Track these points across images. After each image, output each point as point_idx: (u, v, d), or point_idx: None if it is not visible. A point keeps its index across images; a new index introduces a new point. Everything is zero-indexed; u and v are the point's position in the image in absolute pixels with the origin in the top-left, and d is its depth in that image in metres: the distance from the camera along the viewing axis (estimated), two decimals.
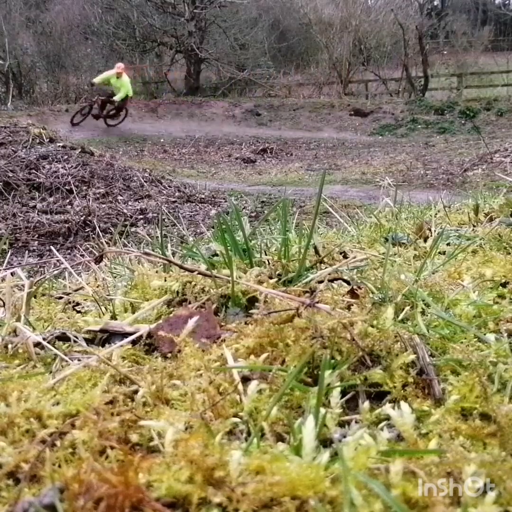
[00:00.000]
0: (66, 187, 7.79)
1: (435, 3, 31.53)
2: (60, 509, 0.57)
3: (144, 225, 7.17)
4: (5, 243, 5.40)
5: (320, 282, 1.13)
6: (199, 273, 1.14)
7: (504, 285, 1.19)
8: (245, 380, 0.81)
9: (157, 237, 1.65)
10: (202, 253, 1.28)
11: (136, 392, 0.80)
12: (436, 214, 2.08)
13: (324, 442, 0.70)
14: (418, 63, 22.72)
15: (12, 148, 8.42)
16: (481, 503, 0.57)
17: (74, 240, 6.46)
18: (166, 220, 6.19)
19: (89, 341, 1.02)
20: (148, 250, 1.33)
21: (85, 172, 8.31)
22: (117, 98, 16.79)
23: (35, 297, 1.25)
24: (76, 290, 1.34)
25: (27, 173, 7.94)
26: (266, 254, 1.30)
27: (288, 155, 15.31)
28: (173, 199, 8.41)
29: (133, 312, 1.12)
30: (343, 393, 0.80)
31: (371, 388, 0.81)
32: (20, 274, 1.28)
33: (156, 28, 24.37)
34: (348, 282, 1.14)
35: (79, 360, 0.91)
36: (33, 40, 23.55)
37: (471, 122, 17.52)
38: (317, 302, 0.96)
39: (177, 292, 1.16)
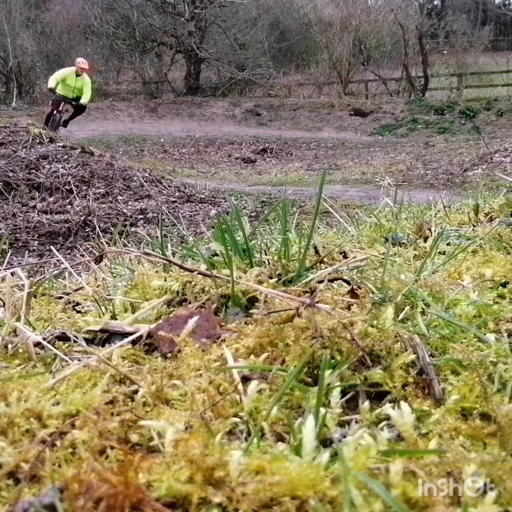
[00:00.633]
0: (66, 187, 7.79)
1: (435, 3, 31.54)
2: (60, 509, 0.57)
3: (144, 225, 7.17)
4: (5, 243, 5.40)
5: (320, 282, 1.13)
6: (199, 273, 1.14)
7: (504, 285, 1.19)
8: (245, 380, 0.81)
9: (157, 237, 1.65)
10: (202, 253, 1.28)
11: (136, 392, 0.80)
12: (436, 214, 2.08)
13: (324, 442, 0.70)
14: (418, 63, 22.72)
15: (12, 148, 8.42)
16: (481, 503, 0.57)
17: (74, 240, 6.46)
18: (166, 220, 6.19)
19: (89, 341, 1.02)
20: (148, 250, 1.33)
21: (85, 172, 8.31)
22: (85, 100, 14.29)
23: (35, 297, 1.25)
24: (76, 290, 1.34)
25: (27, 173, 7.94)
26: (266, 254, 1.30)
27: (288, 155, 15.31)
28: (173, 199, 8.41)
29: (133, 312, 1.12)
30: (343, 393, 0.80)
31: (371, 388, 0.81)
32: (20, 274, 1.28)
33: (156, 28, 24.38)
34: (348, 282, 1.14)
35: (79, 360, 0.91)
36: (33, 40, 23.54)
37: (471, 122, 17.52)
38: (317, 302, 0.96)
39: (177, 292, 1.16)
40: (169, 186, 8.89)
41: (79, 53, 23.89)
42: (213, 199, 8.64)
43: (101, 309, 1.15)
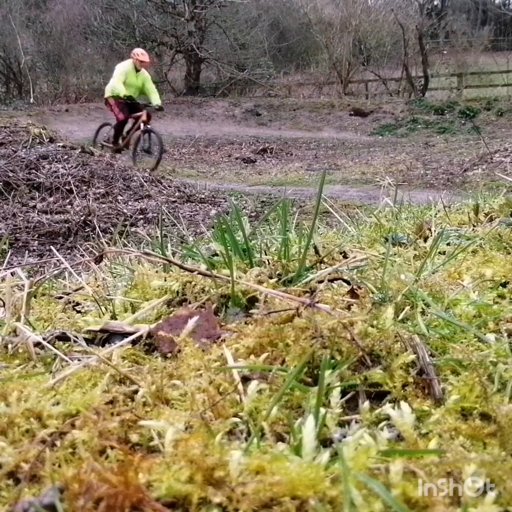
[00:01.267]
0: (66, 187, 7.79)
1: (435, 3, 31.52)
2: (60, 509, 0.57)
3: (144, 225, 7.17)
4: (5, 243, 5.40)
5: (320, 282, 1.13)
6: (199, 273, 1.14)
7: (504, 285, 1.19)
8: (245, 380, 0.81)
9: (157, 237, 1.65)
10: (202, 253, 1.28)
11: (136, 392, 0.80)
12: (436, 214, 2.08)
13: (324, 442, 0.70)
14: (418, 63, 22.71)
15: (12, 148, 8.42)
16: (481, 503, 0.57)
17: (74, 240, 6.46)
18: (166, 220, 6.19)
19: (89, 341, 1.02)
20: (148, 250, 1.33)
21: (85, 172, 8.31)
22: (157, 102, 11.43)
23: (35, 297, 1.25)
24: (76, 290, 1.34)
25: (27, 173, 7.94)
26: (266, 254, 1.30)
27: (288, 155, 15.30)
28: (173, 199, 8.41)
29: (133, 312, 1.12)
30: (343, 393, 0.80)
31: (371, 388, 0.81)
32: (20, 274, 1.28)
33: (156, 28, 24.38)
34: (348, 282, 1.14)
35: (79, 360, 0.91)
36: (33, 40, 23.54)
37: (471, 122, 17.51)
38: (317, 302, 0.96)
39: (177, 292, 1.16)
40: (169, 186, 8.89)
41: (79, 53, 23.94)
42: (213, 199, 8.63)
43: (101, 309, 1.15)
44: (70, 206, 7.46)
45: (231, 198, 8.21)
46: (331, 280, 1.15)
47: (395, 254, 1.47)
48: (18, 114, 15.85)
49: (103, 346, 1.00)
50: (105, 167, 8.67)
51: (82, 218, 6.98)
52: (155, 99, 11.65)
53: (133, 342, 0.98)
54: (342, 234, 1.90)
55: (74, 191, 7.79)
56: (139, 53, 11.61)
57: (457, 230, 1.75)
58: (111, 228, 6.60)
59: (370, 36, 24.32)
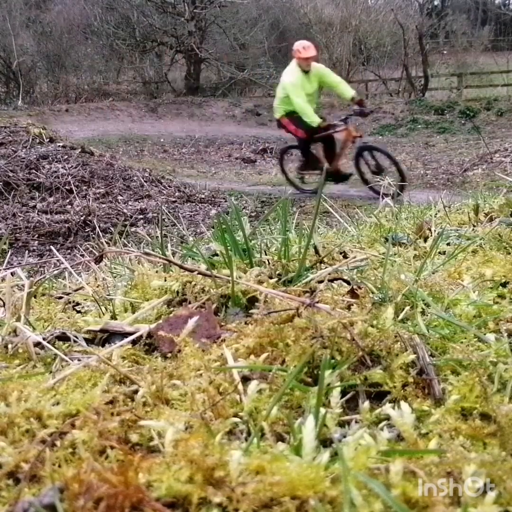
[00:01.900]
0: (66, 187, 7.79)
1: (435, 3, 31.49)
2: (60, 509, 0.57)
3: (144, 225, 7.17)
4: (5, 243, 5.40)
5: (320, 282, 1.13)
6: (199, 273, 1.14)
7: (504, 285, 1.19)
8: (245, 380, 0.81)
9: (157, 237, 1.65)
10: (202, 253, 1.28)
11: (136, 392, 0.80)
12: (436, 214, 2.08)
13: (324, 442, 0.70)
14: (418, 63, 22.70)
15: (12, 148, 8.42)
16: (481, 503, 0.58)
17: (74, 240, 6.46)
18: (166, 220, 6.19)
19: (89, 341, 1.02)
20: (148, 250, 1.33)
21: (85, 172, 8.31)
22: (351, 92, 8.80)
23: (35, 297, 1.25)
24: (76, 290, 1.34)
25: (27, 173, 7.94)
26: (266, 254, 1.30)
27: (288, 155, 15.30)
28: (173, 199, 8.41)
29: (133, 312, 1.12)
30: (343, 393, 0.80)
31: (371, 388, 0.81)
32: (20, 274, 1.28)
33: (156, 28, 24.36)
34: (348, 282, 1.14)
35: (79, 360, 0.91)
36: (33, 40, 23.54)
37: (471, 122, 17.51)
38: (317, 302, 0.96)
39: (177, 292, 1.16)
40: (169, 186, 8.89)
41: (79, 53, 23.93)
42: (213, 199, 8.64)
43: (101, 309, 1.15)
44: (70, 206, 7.46)
45: (231, 198, 8.21)
46: (331, 280, 1.15)
47: (395, 254, 1.47)
48: (18, 114, 15.85)
49: (103, 346, 1.00)
50: (105, 167, 8.67)
51: (82, 218, 6.99)
52: (348, 91, 8.67)
53: (133, 342, 0.98)
54: (342, 234, 1.90)
55: (74, 191, 7.79)
56: (300, 48, 8.93)
57: (457, 230, 1.75)
58: (111, 228, 6.60)
59: (370, 36, 24.31)
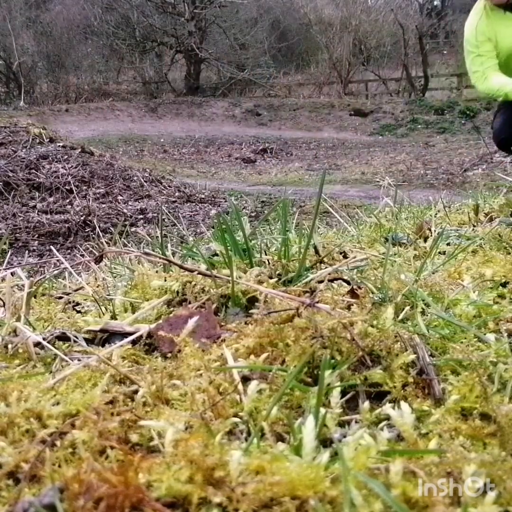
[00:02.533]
0: (66, 187, 7.79)
1: (435, 3, 31.46)
2: (60, 509, 0.57)
3: (144, 225, 7.17)
4: (5, 243, 5.40)
5: (320, 282, 1.13)
6: (199, 273, 1.14)
7: (504, 285, 1.19)
8: (245, 380, 0.81)
9: (157, 237, 1.65)
10: (202, 253, 1.28)
11: (136, 392, 0.80)
12: (436, 214, 2.08)
13: (324, 442, 0.70)
14: (418, 63, 22.71)
15: (12, 148, 8.42)
16: (481, 503, 0.57)
17: (74, 240, 6.46)
18: (166, 220, 6.19)
19: (89, 341, 1.02)
20: (148, 250, 1.33)
21: (85, 172, 8.31)
22: None
23: (35, 297, 1.25)
24: (76, 290, 1.34)
25: (27, 173, 7.93)
26: (266, 254, 1.30)
27: (288, 155, 15.30)
28: (173, 199, 8.41)
29: (133, 312, 1.12)
30: (343, 393, 0.80)
31: (371, 388, 0.81)
32: (20, 274, 1.28)
33: (156, 28, 24.35)
34: (348, 282, 1.14)
35: (79, 360, 0.91)
36: (33, 40, 23.53)
37: (471, 122, 17.50)
38: (317, 302, 0.96)
39: (177, 292, 1.16)
40: (169, 186, 8.89)
41: (79, 53, 23.94)
42: (213, 199, 8.63)
43: (101, 309, 1.15)
44: (70, 206, 7.46)
45: (231, 198, 8.21)
46: (331, 280, 1.15)
47: (395, 254, 1.47)
48: (18, 114, 15.84)
49: (103, 346, 1.00)
50: (105, 167, 8.67)
51: (82, 218, 6.99)
52: None
53: (133, 342, 0.98)
54: (342, 234, 1.90)
55: (74, 191, 7.79)
56: None
57: (457, 230, 1.75)
58: (111, 228, 6.60)
59: (370, 36, 24.30)
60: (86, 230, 6.77)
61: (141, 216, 7.54)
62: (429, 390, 0.80)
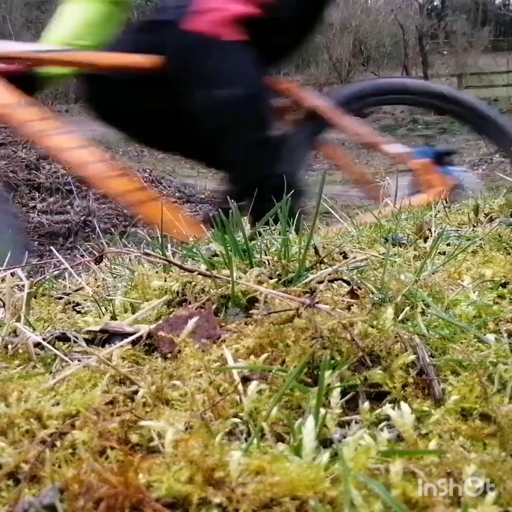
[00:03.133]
0: (66, 187, 7.78)
1: (435, 3, 31.44)
2: (60, 509, 0.57)
3: (144, 225, 7.16)
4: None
5: (320, 282, 1.13)
6: (199, 274, 1.14)
7: (504, 285, 1.19)
8: (245, 380, 0.81)
9: (157, 237, 1.65)
10: (202, 253, 1.28)
11: (136, 392, 0.80)
12: (436, 214, 2.08)
13: (324, 442, 0.70)
14: (418, 64, 22.72)
15: (12, 148, 8.42)
16: (481, 503, 0.57)
17: (74, 241, 6.46)
18: None
19: (89, 342, 1.02)
20: (148, 251, 1.33)
21: None
22: None
23: (35, 297, 1.25)
24: (76, 291, 1.34)
25: (27, 174, 7.93)
26: (266, 255, 1.30)
27: None
28: (173, 199, 8.41)
29: (133, 313, 1.12)
30: (343, 393, 0.80)
31: (371, 388, 0.81)
32: (20, 274, 1.28)
33: None
34: (348, 283, 1.14)
35: (79, 360, 0.91)
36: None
37: None
38: (317, 303, 0.96)
39: (177, 292, 1.16)
40: (169, 186, 8.89)
41: None
42: (213, 199, 8.63)
43: (101, 309, 1.15)
44: (70, 207, 7.46)
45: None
46: (331, 281, 1.15)
47: (395, 255, 1.47)
48: None
49: (103, 346, 1.00)
50: None
51: (82, 218, 6.99)
52: None
53: (133, 343, 0.98)
54: (342, 234, 1.90)
55: (74, 191, 7.79)
56: None
57: (457, 230, 1.75)
58: (111, 228, 6.60)
59: (370, 37, 24.30)
60: (86, 231, 6.78)
61: (141, 216, 7.54)
62: (429, 391, 0.80)
